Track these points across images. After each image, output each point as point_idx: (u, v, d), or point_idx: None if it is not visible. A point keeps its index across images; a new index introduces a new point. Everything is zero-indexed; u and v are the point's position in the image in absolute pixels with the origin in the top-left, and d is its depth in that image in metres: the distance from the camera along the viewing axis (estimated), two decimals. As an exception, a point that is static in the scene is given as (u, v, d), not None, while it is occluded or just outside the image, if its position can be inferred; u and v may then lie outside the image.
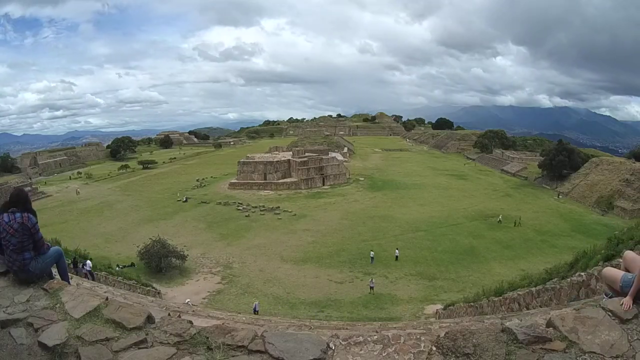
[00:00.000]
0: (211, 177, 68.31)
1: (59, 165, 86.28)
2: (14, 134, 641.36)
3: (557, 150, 58.44)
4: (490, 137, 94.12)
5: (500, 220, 40.22)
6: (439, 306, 20.39)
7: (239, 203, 48.92)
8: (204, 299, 24.35)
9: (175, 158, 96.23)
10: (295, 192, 55.48)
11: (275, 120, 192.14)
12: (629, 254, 3.36)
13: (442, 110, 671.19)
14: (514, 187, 58.88)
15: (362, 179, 63.72)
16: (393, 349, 2.56)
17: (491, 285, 15.03)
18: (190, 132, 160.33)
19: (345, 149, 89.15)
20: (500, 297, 11.15)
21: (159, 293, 22.94)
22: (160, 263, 28.16)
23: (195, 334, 2.71)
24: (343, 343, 2.66)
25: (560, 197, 52.06)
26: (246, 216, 43.87)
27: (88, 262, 17.11)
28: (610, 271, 3.43)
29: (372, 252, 30.84)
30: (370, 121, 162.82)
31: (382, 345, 2.61)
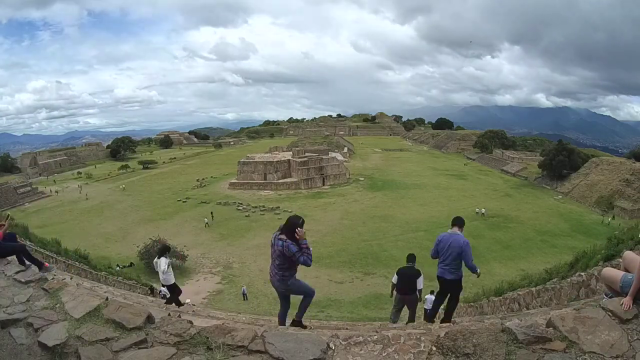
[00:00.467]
0: (211, 177, 68.25)
1: (59, 165, 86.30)
2: (14, 134, 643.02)
3: (557, 150, 58.42)
4: (490, 137, 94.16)
5: (483, 214, 42.14)
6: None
7: (239, 203, 48.92)
8: (204, 299, 24.34)
9: (175, 158, 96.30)
10: (295, 192, 55.45)
11: (274, 120, 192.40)
12: (628, 254, 3.35)
13: (442, 110, 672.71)
14: (514, 187, 58.81)
15: (362, 179, 63.66)
16: (393, 349, 2.56)
17: (491, 285, 15.00)
18: (190, 132, 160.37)
19: (345, 149, 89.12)
20: (500, 297, 11.11)
21: (159, 293, 22.87)
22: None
23: (195, 334, 2.71)
24: (343, 343, 2.66)
25: (560, 197, 52.09)
26: (246, 216, 43.89)
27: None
28: (610, 271, 3.43)
29: (243, 288, 25.40)
30: (370, 121, 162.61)
31: (382, 345, 2.61)
